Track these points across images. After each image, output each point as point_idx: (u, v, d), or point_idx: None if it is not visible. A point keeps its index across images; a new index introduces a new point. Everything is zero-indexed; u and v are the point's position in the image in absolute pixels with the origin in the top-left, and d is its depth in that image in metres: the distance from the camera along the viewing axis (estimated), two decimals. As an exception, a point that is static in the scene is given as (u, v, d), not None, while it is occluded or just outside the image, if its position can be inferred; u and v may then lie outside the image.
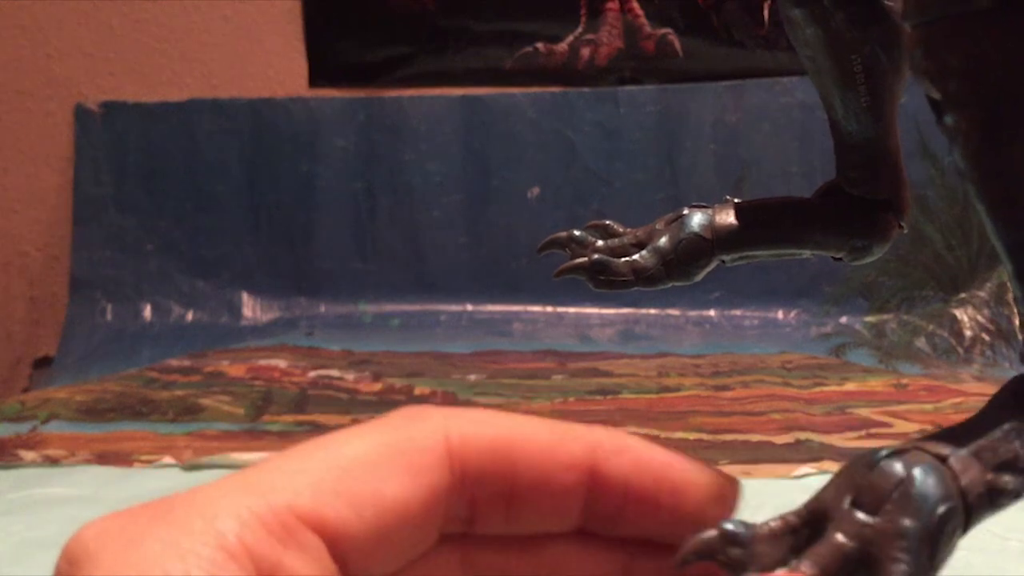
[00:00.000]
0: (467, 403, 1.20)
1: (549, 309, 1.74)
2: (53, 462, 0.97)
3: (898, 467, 0.17)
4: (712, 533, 0.17)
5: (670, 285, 0.27)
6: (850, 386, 1.28)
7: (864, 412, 1.12)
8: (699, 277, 0.28)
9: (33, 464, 0.97)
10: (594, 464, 0.18)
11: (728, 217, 0.27)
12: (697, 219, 0.27)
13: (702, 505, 0.18)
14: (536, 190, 1.78)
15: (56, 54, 1.80)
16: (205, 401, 1.22)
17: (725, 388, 1.26)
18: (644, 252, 0.27)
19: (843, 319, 1.67)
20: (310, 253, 1.79)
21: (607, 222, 0.28)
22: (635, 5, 1.78)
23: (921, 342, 1.60)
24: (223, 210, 1.79)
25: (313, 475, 0.16)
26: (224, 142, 1.79)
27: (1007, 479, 0.18)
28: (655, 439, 0.20)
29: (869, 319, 1.65)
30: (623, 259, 0.27)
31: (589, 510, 0.19)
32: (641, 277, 0.27)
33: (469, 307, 1.75)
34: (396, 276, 1.78)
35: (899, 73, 0.26)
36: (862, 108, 0.27)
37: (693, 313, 1.70)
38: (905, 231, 0.29)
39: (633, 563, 0.19)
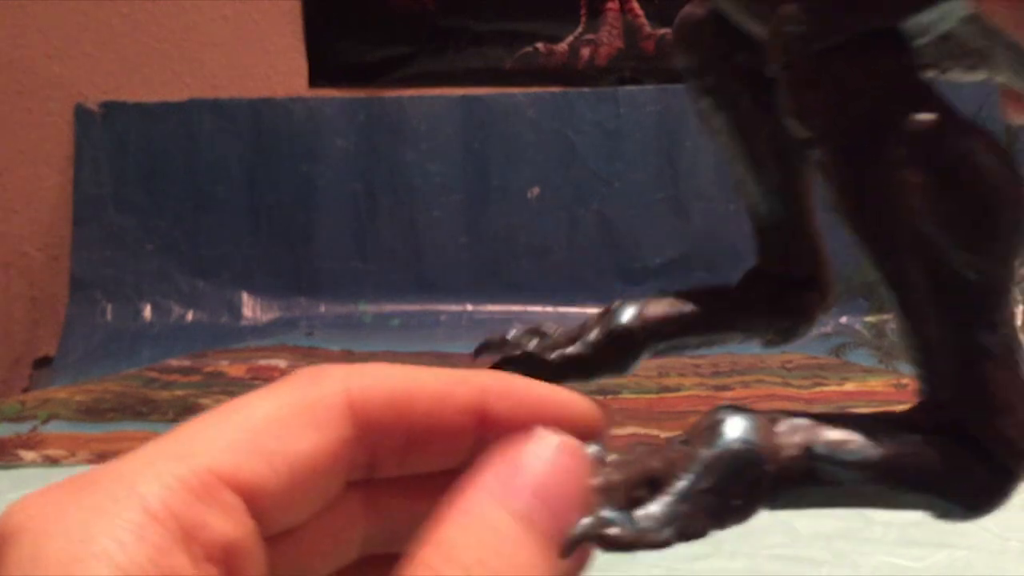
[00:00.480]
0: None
1: (549, 309, 1.74)
2: (53, 462, 0.97)
3: (723, 412, 0.18)
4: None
5: (603, 377, 0.28)
6: (850, 386, 1.28)
7: (864, 412, 1.12)
8: (631, 368, 0.28)
9: (33, 464, 0.97)
10: (483, 406, 0.20)
11: (657, 308, 0.28)
12: (627, 311, 0.28)
13: (576, 432, 0.20)
14: (536, 190, 1.78)
15: (56, 54, 1.80)
16: (205, 401, 1.22)
17: (725, 388, 1.26)
18: (576, 345, 0.27)
19: (843, 319, 1.67)
20: (310, 253, 1.79)
21: (540, 325, 0.29)
22: (635, 5, 1.78)
23: (921, 342, 1.59)
24: (223, 210, 1.79)
25: (229, 437, 0.17)
26: (224, 142, 1.79)
27: (822, 450, 0.18)
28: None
29: (869, 319, 1.65)
30: (555, 352, 0.27)
31: (478, 446, 0.20)
32: (572, 370, 0.27)
33: (469, 307, 1.75)
34: (396, 276, 1.78)
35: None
36: (774, 188, 0.28)
37: (693, 313, 1.70)
38: (831, 309, 0.29)
39: None
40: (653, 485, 0.18)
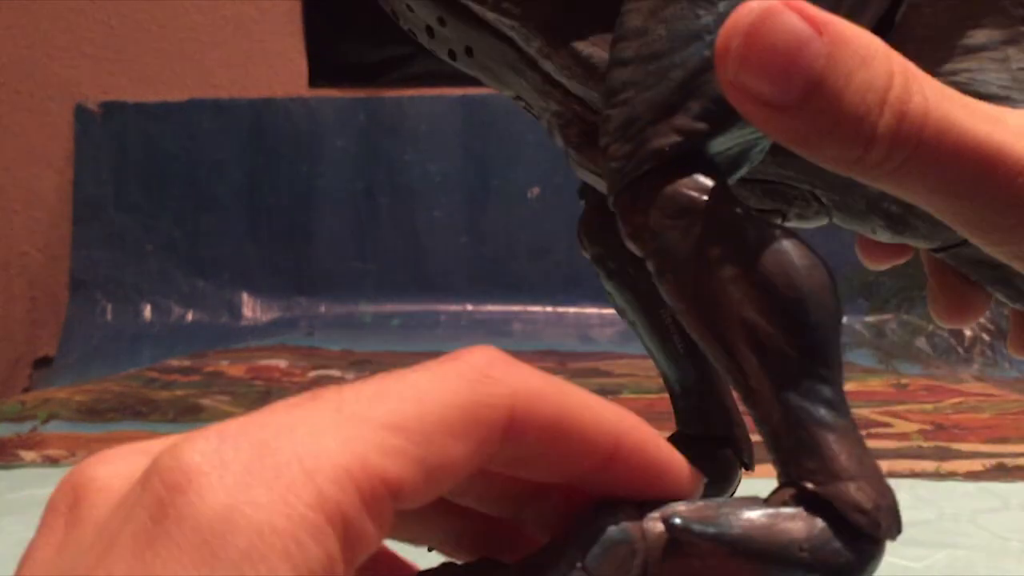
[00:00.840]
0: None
1: (549, 309, 1.74)
2: (53, 462, 0.97)
3: (599, 504, 0.20)
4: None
5: None
6: (850, 386, 1.28)
7: (864, 412, 1.12)
8: None
9: (33, 464, 0.97)
10: (611, 455, 0.20)
11: None
12: None
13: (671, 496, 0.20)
14: (536, 190, 1.78)
15: (56, 54, 1.80)
16: (205, 401, 1.22)
17: (725, 388, 1.26)
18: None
19: (843, 319, 1.67)
20: (310, 253, 1.79)
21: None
22: (635, 5, 1.78)
23: (921, 342, 1.60)
24: (223, 210, 1.79)
25: (400, 436, 0.17)
26: (224, 142, 1.79)
27: (680, 522, 0.19)
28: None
29: (869, 319, 1.65)
30: None
31: (581, 477, 0.20)
32: None
33: (469, 307, 1.75)
34: (396, 276, 1.78)
35: None
36: (680, 355, 0.30)
37: (693, 313, 1.70)
38: (751, 468, 0.31)
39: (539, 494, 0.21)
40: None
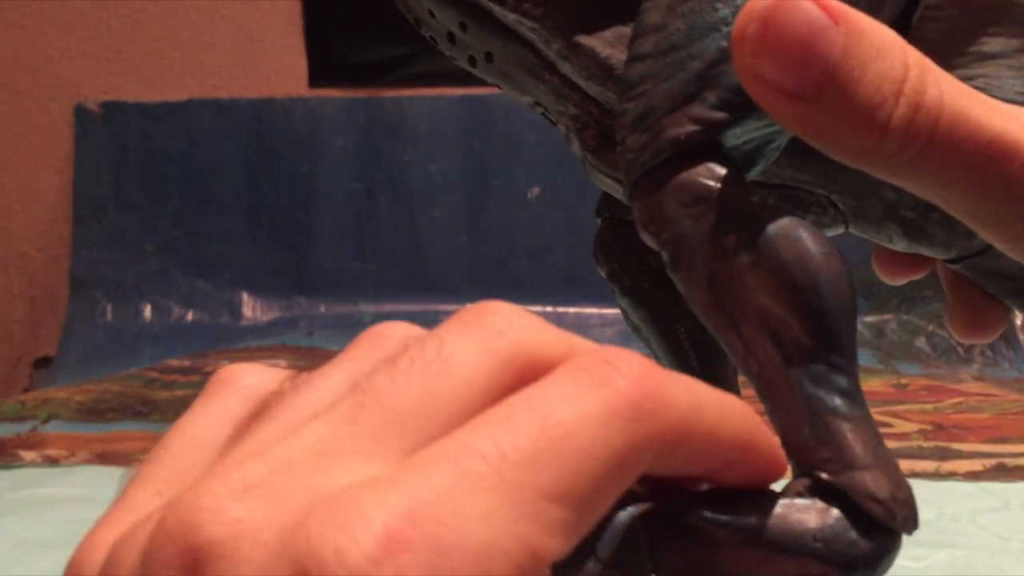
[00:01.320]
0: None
1: (549, 309, 1.74)
2: (53, 462, 0.97)
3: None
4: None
5: None
6: (850, 386, 1.28)
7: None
8: None
9: (33, 464, 0.97)
10: (729, 465, 0.19)
11: None
12: None
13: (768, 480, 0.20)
14: (536, 190, 1.78)
15: (56, 54, 1.80)
16: (205, 401, 1.22)
17: (725, 388, 1.26)
18: None
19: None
20: (310, 253, 1.79)
21: None
22: (635, 5, 1.78)
23: (921, 342, 1.60)
24: (223, 210, 1.79)
25: (565, 506, 0.16)
26: (224, 142, 1.79)
27: (688, 504, 0.19)
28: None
29: (869, 319, 1.65)
30: None
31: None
32: None
33: (469, 307, 1.75)
34: (396, 276, 1.78)
35: None
36: (695, 371, 0.30)
37: (693, 313, 1.70)
38: None
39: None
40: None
